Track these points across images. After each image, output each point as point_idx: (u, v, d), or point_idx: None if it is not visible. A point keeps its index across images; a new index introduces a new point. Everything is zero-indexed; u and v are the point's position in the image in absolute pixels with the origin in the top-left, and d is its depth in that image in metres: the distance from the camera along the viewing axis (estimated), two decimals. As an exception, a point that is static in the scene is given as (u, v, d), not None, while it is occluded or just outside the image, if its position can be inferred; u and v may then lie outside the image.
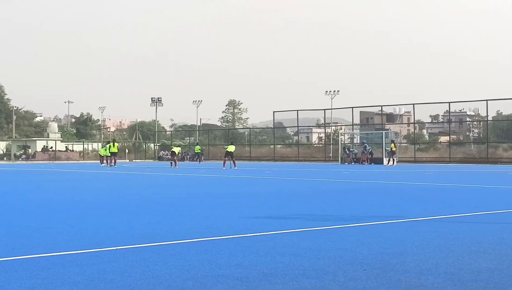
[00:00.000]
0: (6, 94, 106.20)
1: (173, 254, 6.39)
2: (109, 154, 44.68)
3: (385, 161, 48.72)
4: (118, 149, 44.64)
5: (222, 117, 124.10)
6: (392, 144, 47.20)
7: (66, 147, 77.53)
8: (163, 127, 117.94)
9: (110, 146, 44.46)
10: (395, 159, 46.65)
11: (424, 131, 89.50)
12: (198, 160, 60.19)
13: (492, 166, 45.59)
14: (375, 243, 7.08)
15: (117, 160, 44.27)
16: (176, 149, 43.79)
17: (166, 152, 69.46)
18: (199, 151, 60.60)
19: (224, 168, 36.86)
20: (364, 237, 7.62)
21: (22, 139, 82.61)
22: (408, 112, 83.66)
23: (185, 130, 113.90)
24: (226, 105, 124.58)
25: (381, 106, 62.91)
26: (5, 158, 69.27)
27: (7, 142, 78.09)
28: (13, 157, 68.82)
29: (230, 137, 77.60)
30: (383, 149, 50.45)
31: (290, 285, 5.02)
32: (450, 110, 59.79)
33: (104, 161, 46.87)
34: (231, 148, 38.54)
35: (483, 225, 9.07)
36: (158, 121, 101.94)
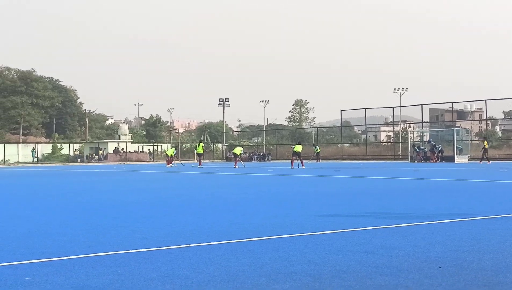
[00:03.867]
0: (78, 98, 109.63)
1: (245, 252, 6.43)
2: (172, 155, 47.19)
3: (456, 158, 47.64)
4: (203, 149, 46.44)
5: (289, 117, 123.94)
6: (485, 141, 45.34)
7: (134, 151, 79.09)
8: (230, 128, 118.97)
9: (196, 147, 46.54)
10: (486, 156, 44.49)
11: (497, 128, 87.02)
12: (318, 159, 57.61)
13: None
14: (449, 241, 6.94)
15: (196, 160, 45.67)
16: (238, 150, 43.79)
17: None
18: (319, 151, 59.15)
19: (292, 167, 36.86)
20: (437, 235, 7.48)
21: (94, 141, 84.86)
22: (479, 108, 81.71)
23: (252, 130, 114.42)
24: (293, 105, 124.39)
25: (452, 102, 61.68)
26: (79, 159, 71.25)
27: (80, 144, 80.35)
28: (85, 158, 70.75)
29: (297, 136, 77.52)
30: (454, 146, 49.35)
31: (364, 282, 4.97)
32: (524, 106, 57.94)
33: (173, 162, 48.07)
34: (299, 148, 38.48)
35: (562, 222, 8.76)
36: (225, 122, 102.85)
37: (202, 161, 45.83)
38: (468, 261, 5.80)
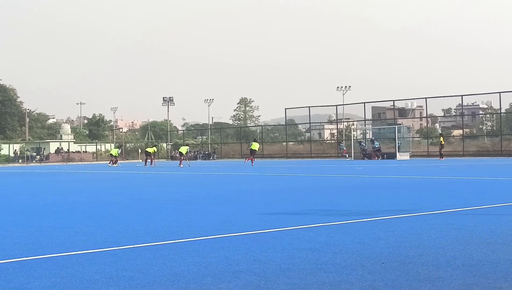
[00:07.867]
0: (18, 97, 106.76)
1: (191, 251, 6.41)
2: (116, 155, 47.15)
3: (398, 155, 48.47)
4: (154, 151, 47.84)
5: (234, 115, 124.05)
6: (441, 138, 45.73)
7: (76, 150, 77.66)
8: (175, 127, 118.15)
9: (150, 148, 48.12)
10: (442, 153, 44.33)
11: (437, 125, 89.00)
12: None
13: (506, 158, 45.31)
14: (392, 237, 7.07)
15: (146, 161, 45.79)
16: (184, 149, 43.50)
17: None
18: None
19: (252, 165, 37.12)
20: (380, 231, 7.60)
21: (36, 141, 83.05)
22: (420, 106, 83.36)
23: (197, 129, 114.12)
24: (238, 103, 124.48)
25: (393, 100, 62.74)
26: (20, 160, 69.61)
27: (21, 145, 78.52)
28: (26, 159, 69.20)
29: (241, 135, 77.66)
30: (395, 143, 50.23)
31: (308, 280, 5.01)
32: (463, 103, 59.47)
33: (114, 162, 47.70)
34: (255, 146, 38.51)
35: (499, 217, 9.02)
36: (170, 121, 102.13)
37: (153, 160, 45.54)
38: (410, 256, 5.91)
